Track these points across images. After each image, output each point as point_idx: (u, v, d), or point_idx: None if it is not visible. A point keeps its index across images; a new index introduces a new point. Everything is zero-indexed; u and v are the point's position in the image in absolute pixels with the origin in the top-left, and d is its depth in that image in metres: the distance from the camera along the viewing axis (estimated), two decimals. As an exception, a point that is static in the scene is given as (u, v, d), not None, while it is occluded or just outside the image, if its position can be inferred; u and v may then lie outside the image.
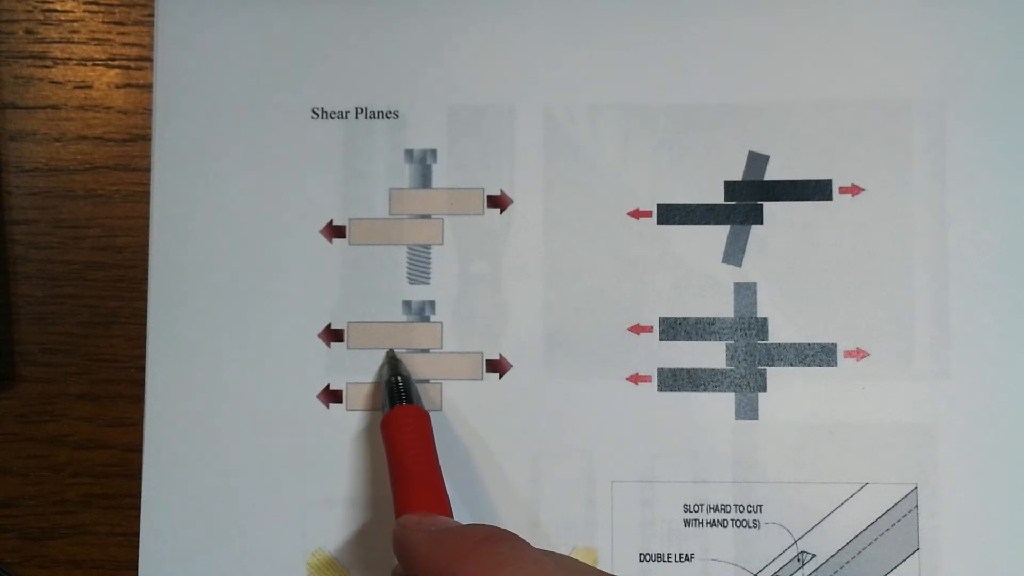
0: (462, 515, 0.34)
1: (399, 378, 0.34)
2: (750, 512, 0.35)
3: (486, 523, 0.30)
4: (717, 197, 0.36)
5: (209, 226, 0.36)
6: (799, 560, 0.35)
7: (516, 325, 0.35)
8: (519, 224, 0.36)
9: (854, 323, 0.35)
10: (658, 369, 0.35)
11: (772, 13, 0.36)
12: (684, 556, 0.35)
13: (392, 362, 0.35)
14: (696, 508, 0.35)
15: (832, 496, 0.35)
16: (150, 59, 0.37)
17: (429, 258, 0.36)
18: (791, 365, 0.35)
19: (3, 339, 0.36)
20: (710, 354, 0.35)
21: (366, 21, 0.36)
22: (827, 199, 0.35)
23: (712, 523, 0.35)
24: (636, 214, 0.36)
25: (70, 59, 0.37)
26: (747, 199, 0.36)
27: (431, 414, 0.34)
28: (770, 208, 0.35)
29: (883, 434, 0.35)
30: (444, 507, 0.31)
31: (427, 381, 0.35)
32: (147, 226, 0.36)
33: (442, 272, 0.36)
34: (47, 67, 0.37)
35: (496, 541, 0.26)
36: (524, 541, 0.27)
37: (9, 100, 0.37)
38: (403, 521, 0.29)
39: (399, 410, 0.33)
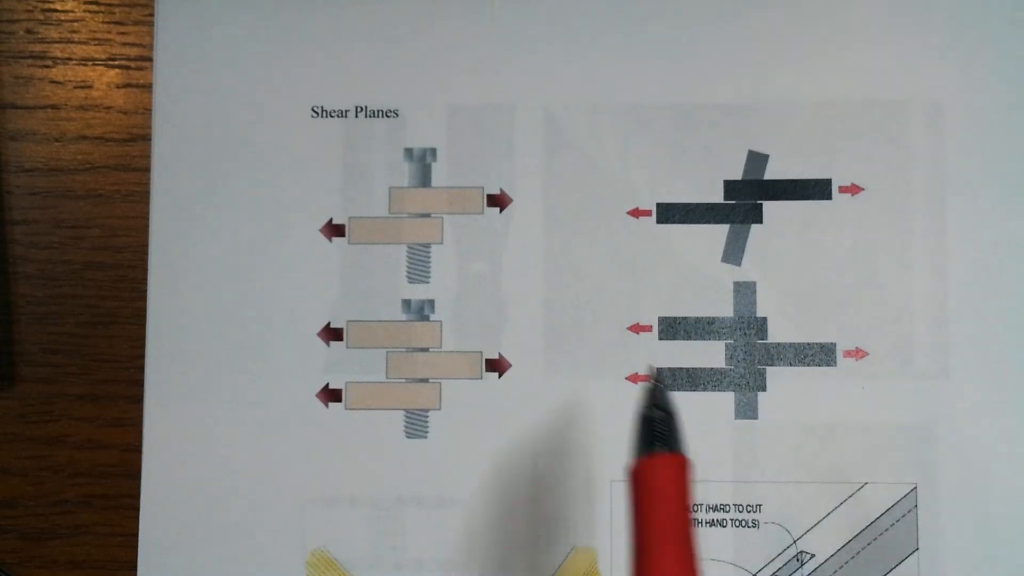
0: (457, 513, 0.34)
1: (664, 414, 0.27)
2: (749, 512, 0.35)
3: None
4: (717, 196, 0.36)
5: (209, 226, 0.36)
6: (798, 560, 0.34)
7: (516, 324, 0.35)
8: (519, 223, 0.36)
9: (854, 323, 0.35)
10: (658, 368, 0.35)
11: (772, 13, 0.36)
12: (684, 556, 0.35)
13: (655, 392, 0.28)
14: (695, 508, 0.35)
15: (831, 496, 0.35)
16: (150, 59, 0.37)
17: (429, 257, 0.36)
18: (790, 365, 0.35)
19: (3, 339, 0.36)
20: (709, 354, 0.35)
21: (366, 21, 0.36)
22: (827, 199, 0.35)
23: (711, 523, 0.35)
24: (636, 213, 0.36)
25: (70, 59, 0.37)
26: (747, 198, 0.36)
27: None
28: (770, 207, 0.35)
29: (882, 434, 0.35)
30: None
31: (426, 380, 0.35)
32: (147, 226, 0.36)
33: (442, 271, 0.36)
34: (47, 67, 0.37)
35: None
36: None
37: (9, 100, 0.37)
38: None
39: (663, 459, 0.26)
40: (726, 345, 0.35)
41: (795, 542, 0.35)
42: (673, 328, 0.35)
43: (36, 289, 0.37)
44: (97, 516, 0.36)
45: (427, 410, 0.34)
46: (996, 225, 0.35)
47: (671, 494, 0.26)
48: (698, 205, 0.36)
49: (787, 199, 0.35)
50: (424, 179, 0.36)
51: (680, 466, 0.26)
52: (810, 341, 0.35)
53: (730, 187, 0.36)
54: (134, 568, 0.35)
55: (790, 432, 0.35)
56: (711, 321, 0.35)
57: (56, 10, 0.38)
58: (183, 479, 0.35)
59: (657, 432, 0.27)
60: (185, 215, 0.36)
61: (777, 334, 0.35)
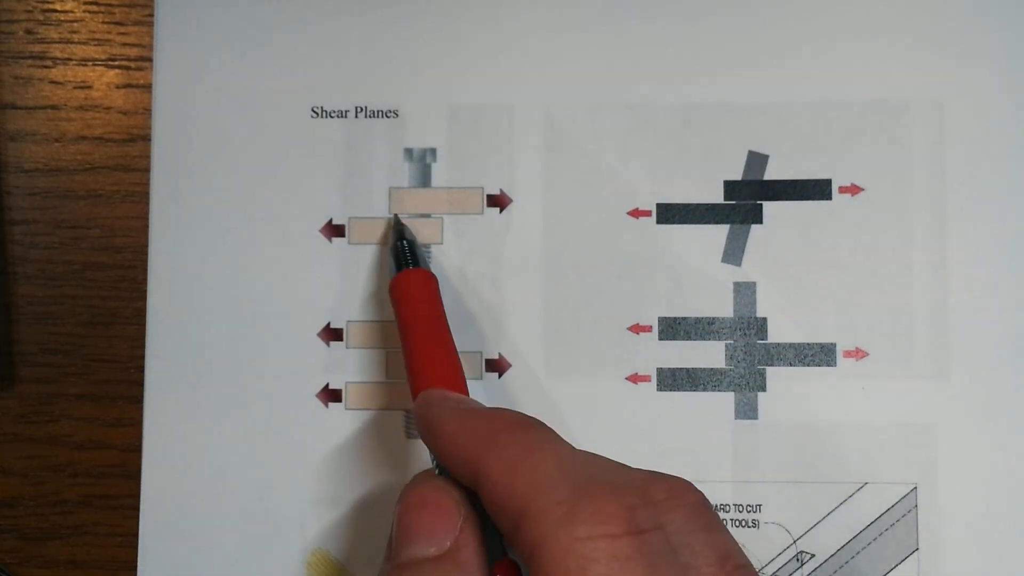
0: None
1: (405, 242, 0.34)
2: (749, 512, 0.35)
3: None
4: (717, 197, 0.36)
5: (208, 226, 0.36)
6: (798, 560, 0.34)
7: (515, 324, 0.35)
8: (519, 223, 0.36)
9: (854, 323, 0.35)
10: (657, 369, 0.35)
11: (773, 13, 0.36)
12: (684, 556, 0.35)
13: (398, 227, 0.35)
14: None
15: (831, 496, 0.35)
16: (150, 59, 0.37)
17: (428, 257, 0.36)
18: (790, 365, 0.35)
19: (3, 339, 0.36)
20: (709, 354, 0.35)
21: (366, 20, 0.36)
22: (827, 199, 0.35)
23: (712, 523, 0.35)
24: (635, 213, 0.36)
25: (70, 59, 0.37)
26: (747, 199, 0.36)
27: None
28: (770, 208, 0.35)
29: (882, 434, 0.35)
30: (460, 379, 0.30)
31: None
32: (147, 226, 0.36)
33: (441, 272, 0.36)
34: (47, 67, 0.37)
35: (528, 427, 0.26)
36: (554, 431, 0.26)
37: (9, 100, 0.37)
38: (427, 396, 0.29)
39: (407, 273, 0.33)
40: (726, 345, 0.35)
41: (795, 542, 0.35)
42: (673, 328, 0.35)
43: (36, 289, 0.37)
44: (97, 516, 0.36)
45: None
46: (996, 225, 0.35)
47: (425, 296, 0.32)
48: (698, 205, 0.36)
49: (787, 199, 0.35)
50: (424, 179, 0.36)
51: (427, 276, 0.33)
52: (810, 341, 0.35)
53: (730, 187, 0.36)
54: (134, 568, 0.35)
55: (790, 432, 0.35)
56: (711, 321, 0.35)
57: (56, 10, 0.38)
58: (183, 479, 0.35)
59: (406, 255, 0.33)
60: (185, 215, 0.36)
61: (777, 334, 0.35)
